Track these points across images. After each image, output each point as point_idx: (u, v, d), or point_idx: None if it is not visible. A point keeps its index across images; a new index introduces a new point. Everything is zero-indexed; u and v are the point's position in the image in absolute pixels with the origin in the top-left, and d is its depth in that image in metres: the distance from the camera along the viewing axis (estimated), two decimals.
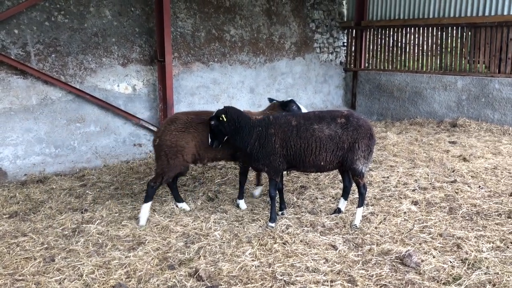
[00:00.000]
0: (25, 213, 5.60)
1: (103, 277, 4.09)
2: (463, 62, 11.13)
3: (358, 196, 5.31)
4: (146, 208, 5.31)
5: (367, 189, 6.17)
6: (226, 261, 4.38)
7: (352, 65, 12.90)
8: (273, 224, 5.17)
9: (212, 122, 5.01)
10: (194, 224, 5.23)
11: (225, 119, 4.96)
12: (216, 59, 9.71)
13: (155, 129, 8.53)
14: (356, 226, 5.16)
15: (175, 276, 4.11)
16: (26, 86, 7.10)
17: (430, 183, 6.60)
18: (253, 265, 4.32)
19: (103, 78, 8.04)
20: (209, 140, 5.13)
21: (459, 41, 11.07)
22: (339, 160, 5.11)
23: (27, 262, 4.36)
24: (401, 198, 6.07)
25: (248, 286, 3.96)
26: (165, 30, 8.10)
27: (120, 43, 8.14)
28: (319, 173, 7.11)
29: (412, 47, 11.99)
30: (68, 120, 7.65)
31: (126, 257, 4.47)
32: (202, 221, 5.30)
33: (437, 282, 4.00)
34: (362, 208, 5.28)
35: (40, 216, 5.52)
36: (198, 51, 9.36)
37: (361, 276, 4.11)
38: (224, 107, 5.12)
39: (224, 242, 4.76)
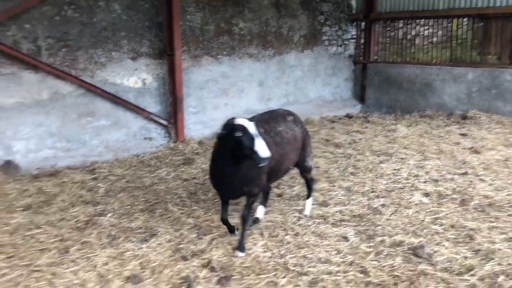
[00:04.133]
0: (38, 206, 5.65)
1: (118, 268, 4.13)
2: (473, 53, 11.04)
3: (307, 189, 5.42)
4: None
5: (379, 182, 6.22)
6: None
7: (361, 58, 12.83)
8: (242, 254, 4.37)
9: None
10: (206, 216, 5.26)
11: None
12: (225, 53, 9.71)
13: (164, 123, 8.57)
14: (307, 216, 5.25)
15: (188, 267, 4.14)
16: (37, 80, 7.15)
17: (441, 175, 6.57)
18: (265, 256, 4.34)
19: (113, 72, 8.07)
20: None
21: (469, 32, 10.97)
22: (297, 159, 4.97)
23: (42, 254, 4.42)
24: (412, 190, 6.04)
25: (261, 276, 3.99)
26: (174, 24, 8.11)
27: (129, 37, 8.16)
28: (329, 166, 7.13)
29: (421, 39, 11.90)
30: (79, 115, 7.70)
31: (139, 248, 4.51)
32: (214, 213, 5.33)
33: (450, 272, 4.00)
34: (311, 198, 5.42)
35: (53, 209, 5.57)
36: (207, 45, 9.36)
37: (373, 267, 4.12)
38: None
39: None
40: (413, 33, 12.10)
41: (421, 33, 12.06)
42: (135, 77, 8.35)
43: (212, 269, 4.10)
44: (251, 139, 3.74)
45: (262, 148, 3.73)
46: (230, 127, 3.84)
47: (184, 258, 4.31)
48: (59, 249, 4.50)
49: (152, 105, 8.59)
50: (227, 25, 9.69)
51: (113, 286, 3.83)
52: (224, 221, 4.62)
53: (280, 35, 10.84)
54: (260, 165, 3.80)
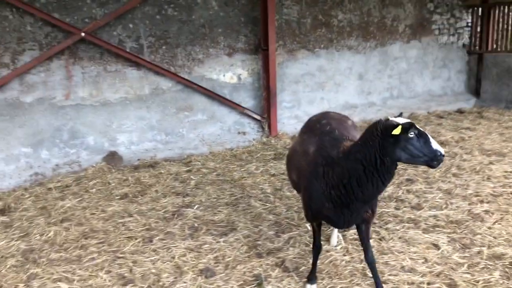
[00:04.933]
0: (134, 196, 5.99)
1: (193, 261, 4.20)
2: None
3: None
4: None
5: (485, 185, 5.59)
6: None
7: (477, 47, 11.66)
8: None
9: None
10: (287, 214, 5.14)
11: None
12: (322, 45, 9.44)
13: (258, 117, 8.59)
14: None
15: (261, 265, 4.06)
16: (139, 77, 7.60)
17: None
18: (343, 260, 4.10)
19: (210, 68, 8.28)
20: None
21: None
22: None
23: (129, 241, 4.65)
24: None
25: (334, 281, 3.77)
26: (269, 19, 8.07)
27: (226, 33, 8.30)
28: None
29: None
30: (178, 109, 8.03)
31: (217, 242, 4.54)
32: (296, 211, 5.18)
33: None
34: None
35: (146, 198, 5.86)
36: (303, 38, 9.18)
37: (464, 281, 3.67)
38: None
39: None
40: None
41: None
42: (231, 73, 8.48)
43: (286, 269, 3.98)
44: (425, 137, 3.00)
45: (439, 146, 3.01)
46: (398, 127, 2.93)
47: (259, 255, 4.24)
48: (144, 238, 4.71)
49: (247, 100, 8.66)
50: (325, 17, 9.40)
51: (186, 278, 3.89)
52: (319, 249, 3.73)
53: (383, 26, 10.26)
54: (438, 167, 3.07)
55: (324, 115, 4.00)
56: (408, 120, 2.99)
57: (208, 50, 8.19)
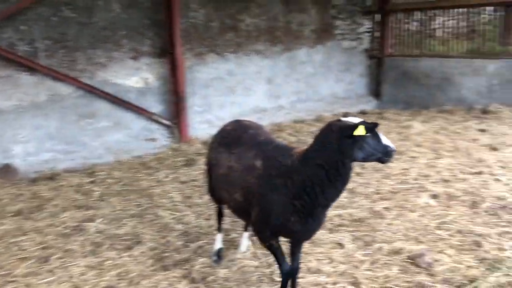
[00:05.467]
0: (30, 211, 5.51)
1: (94, 279, 3.93)
2: (494, 44, 10.46)
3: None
4: None
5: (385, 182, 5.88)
6: (224, 260, 4.15)
7: (376, 52, 12.35)
8: None
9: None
10: (196, 222, 5.02)
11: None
12: (231, 50, 9.43)
13: (168, 123, 8.37)
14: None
15: (167, 278, 3.91)
16: (34, 82, 7.05)
17: (453, 175, 6.15)
18: (252, 266, 4.07)
19: (114, 72, 7.91)
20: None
21: (490, 22, 10.40)
22: None
23: (21, 263, 4.26)
24: (419, 191, 5.66)
25: None
26: (174, 22, 7.90)
27: (130, 36, 7.98)
28: None
29: (440, 31, 11.36)
30: (79, 116, 7.57)
31: (120, 257, 4.30)
32: (205, 219, 5.08)
33: (450, 284, 3.65)
34: None
35: (43, 214, 5.42)
36: (211, 42, 9.10)
37: (366, 278, 3.80)
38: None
39: (224, 240, 4.53)
40: (431, 24, 11.55)
41: (439, 25, 11.51)
42: (137, 77, 8.17)
43: (192, 280, 3.86)
44: (377, 135, 3.03)
45: (389, 142, 3.07)
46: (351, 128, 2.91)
47: (165, 268, 4.08)
48: (39, 258, 4.34)
49: (155, 105, 8.39)
50: (233, 21, 9.41)
51: None
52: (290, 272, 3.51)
53: (289, 31, 10.49)
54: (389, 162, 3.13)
55: (241, 124, 3.88)
56: (362, 119, 2.99)
57: (112, 54, 7.82)
